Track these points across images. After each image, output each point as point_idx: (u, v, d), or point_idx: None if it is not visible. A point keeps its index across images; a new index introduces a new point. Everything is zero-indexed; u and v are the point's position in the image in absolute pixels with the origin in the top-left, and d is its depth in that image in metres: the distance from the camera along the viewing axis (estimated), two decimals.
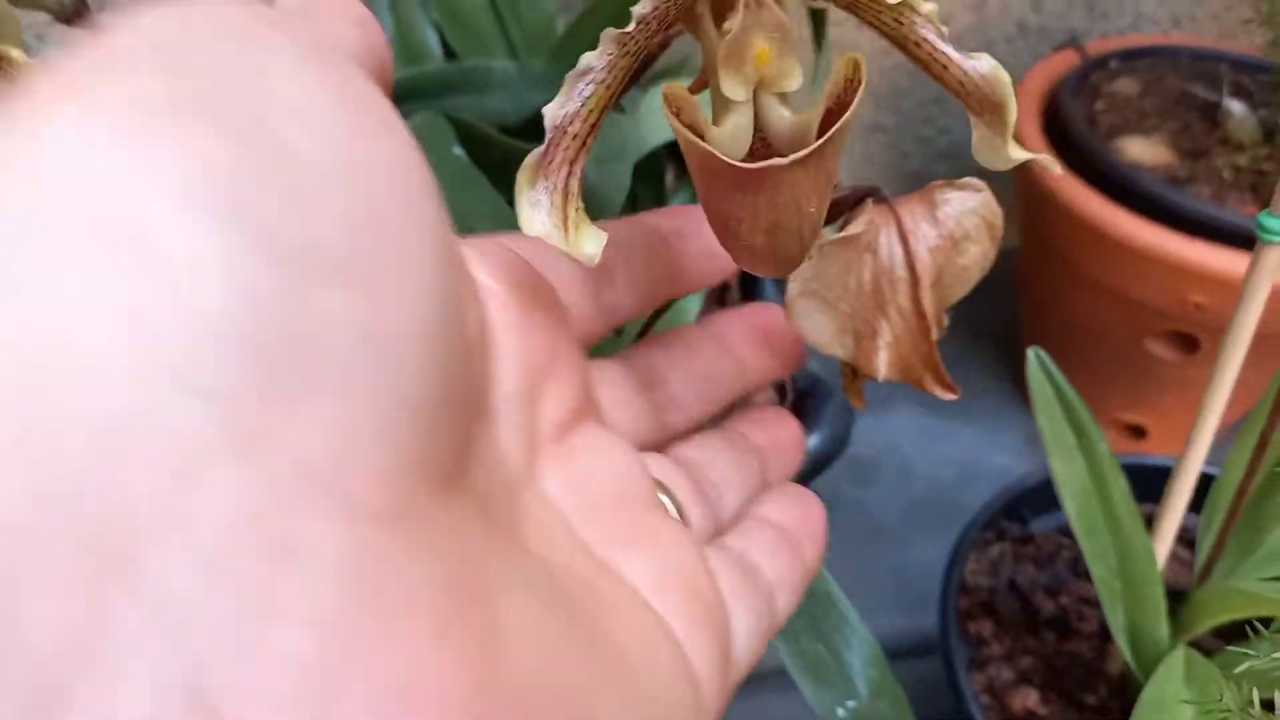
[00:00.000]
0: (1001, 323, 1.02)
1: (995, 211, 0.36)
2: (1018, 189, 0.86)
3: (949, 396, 0.37)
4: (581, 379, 0.31)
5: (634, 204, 0.64)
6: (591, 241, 0.28)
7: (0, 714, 0.12)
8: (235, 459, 0.15)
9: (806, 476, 0.72)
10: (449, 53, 0.68)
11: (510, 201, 0.55)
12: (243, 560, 0.14)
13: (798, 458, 0.40)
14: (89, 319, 0.14)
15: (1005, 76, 0.29)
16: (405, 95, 0.63)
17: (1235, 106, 0.77)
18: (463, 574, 0.19)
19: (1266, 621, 0.48)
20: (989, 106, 0.29)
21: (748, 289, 0.74)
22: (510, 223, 0.32)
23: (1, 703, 0.12)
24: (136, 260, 0.15)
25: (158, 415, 0.14)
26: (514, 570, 0.22)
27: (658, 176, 0.67)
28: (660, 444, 0.36)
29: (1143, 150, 0.77)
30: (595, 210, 0.33)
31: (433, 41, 0.67)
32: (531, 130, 0.65)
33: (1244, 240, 0.70)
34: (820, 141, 0.26)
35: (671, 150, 0.67)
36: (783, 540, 0.35)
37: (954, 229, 0.35)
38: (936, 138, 1.05)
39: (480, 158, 0.52)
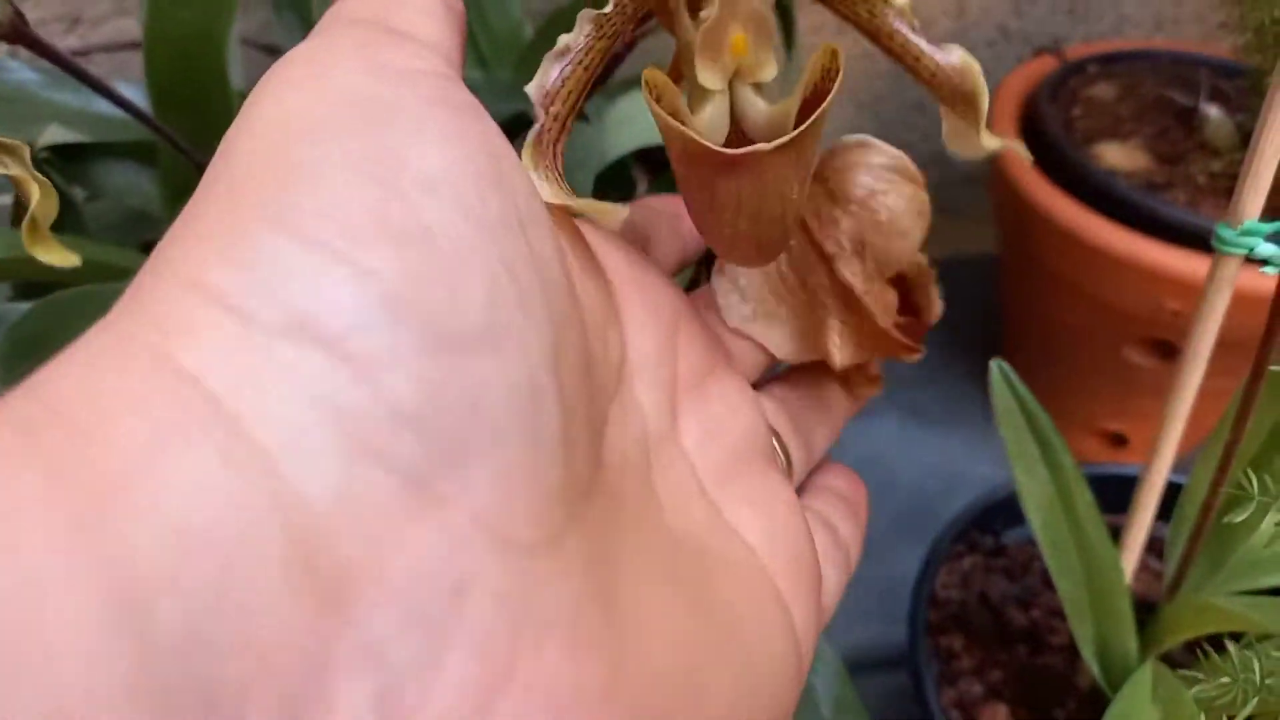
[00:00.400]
0: (986, 331, 1.01)
1: (894, 154, 0.34)
2: (995, 195, 0.85)
3: (914, 357, 0.36)
4: (705, 325, 0.33)
5: None
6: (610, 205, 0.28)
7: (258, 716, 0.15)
8: (421, 518, 0.18)
9: None
10: None
11: None
12: (427, 600, 0.18)
13: (852, 409, 0.42)
14: (304, 411, 0.17)
15: (976, 65, 0.29)
16: None
17: (1212, 111, 0.77)
18: (594, 580, 0.22)
19: (1235, 637, 0.47)
20: (961, 97, 0.29)
21: None
22: None
23: (257, 708, 0.15)
24: (335, 360, 0.18)
25: (361, 488, 0.17)
26: (643, 552, 0.25)
27: (628, 186, 0.67)
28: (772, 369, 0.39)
29: (1119, 156, 0.77)
30: None
31: None
32: None
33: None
34: (802, 127, 0.26)
35: (641, 158, 0.66)
36: (847, 505, 0.38)
37: (853, 190, 0.34)
38: (918, 143, 1.05)
39: None
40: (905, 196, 0.34)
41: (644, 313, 0.30)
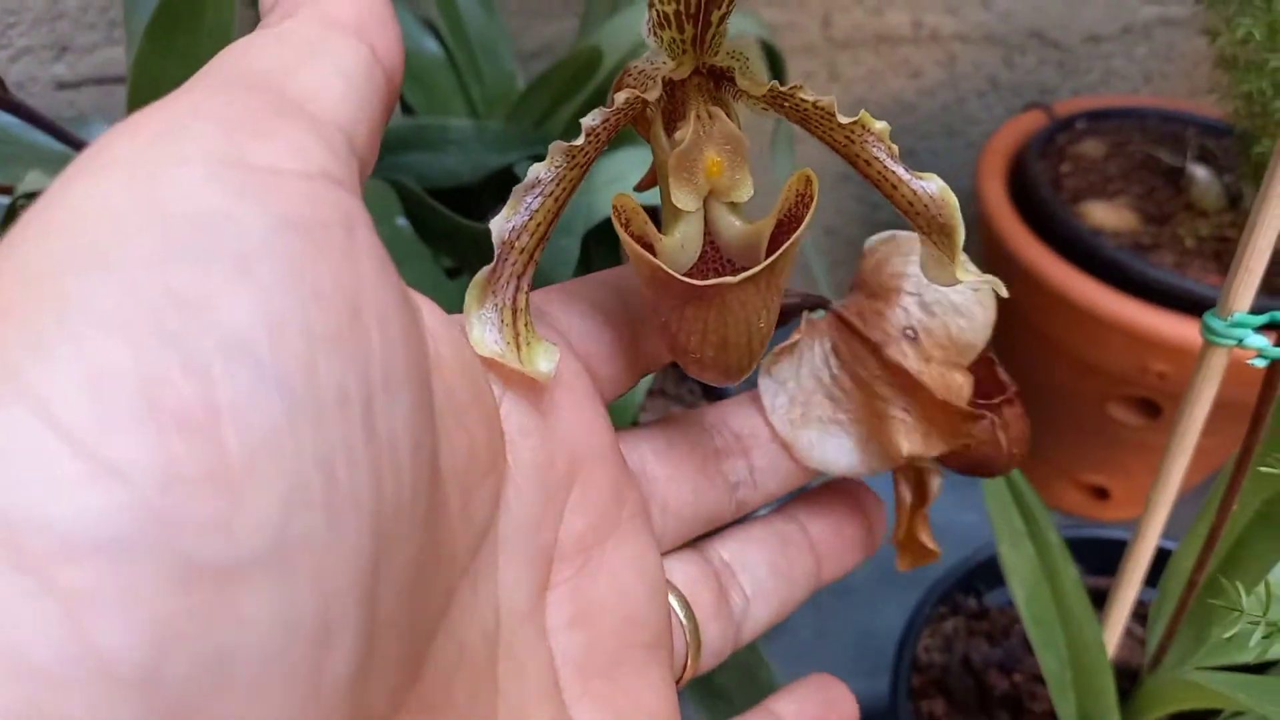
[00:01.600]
0: None
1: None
2: (983, 251, 0.85)
3: (1004, 463, 0.37)
4: (615, 470, 0.29)
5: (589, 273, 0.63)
6: (545, 359, 0.27)
7: None
8: None
9: None
10: (408, 111, 0.68)
11: (450, 274, 0.53)
12: None
13: (866, 548, 0.38)
14: None
15: (953, 199, 0.28)
16: None
17: (1199, 172, 0.77)
18: None
19: (1217, 710, 0.47)
20: (937, 227, 0.28)
21: None
22: (451, 297, 0.30)
23: None
24: (39, 591, 0.13)
25: None
26: None
27: (614, 245, 0.66)
28: (728, 512, 0.35)
29: (1106, 215, 0.77)
30: (541, 285, 0.32)
31: None
32: (487, 190, 0.65)
33: (1206, 310, 0.70)
34: (771, 259, 0.26)
35: None
36: None
37: (897, 281, 0.34)
38: None
39: (424, 229, 0.51)
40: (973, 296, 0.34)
41: (534, 464, 0.26)
